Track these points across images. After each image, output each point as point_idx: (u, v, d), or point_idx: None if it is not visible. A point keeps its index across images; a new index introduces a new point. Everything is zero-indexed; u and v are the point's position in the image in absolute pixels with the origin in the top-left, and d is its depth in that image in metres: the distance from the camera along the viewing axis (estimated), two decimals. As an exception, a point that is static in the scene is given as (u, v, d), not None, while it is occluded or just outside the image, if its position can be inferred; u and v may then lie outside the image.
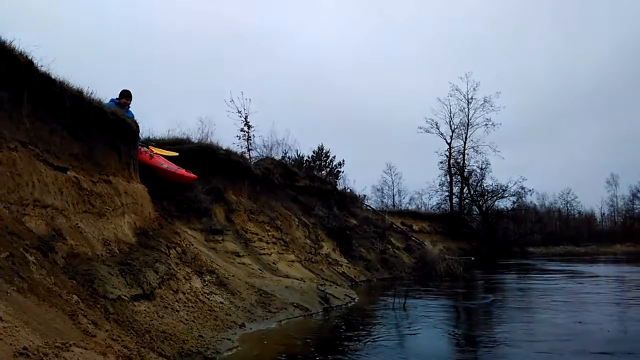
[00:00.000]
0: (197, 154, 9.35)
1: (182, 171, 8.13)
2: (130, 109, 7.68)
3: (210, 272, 6.01)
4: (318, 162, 21.83)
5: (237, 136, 14.01)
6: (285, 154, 16.31)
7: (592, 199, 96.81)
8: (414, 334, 5.15)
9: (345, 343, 4.82)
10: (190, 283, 5.36)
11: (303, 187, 13.67)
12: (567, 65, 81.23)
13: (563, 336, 4.75)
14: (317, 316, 5.94)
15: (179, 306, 4.61)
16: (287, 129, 31.26)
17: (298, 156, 18.50)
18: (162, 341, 3.55)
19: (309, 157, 21.20)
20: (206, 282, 5.68)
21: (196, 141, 9.91)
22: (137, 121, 7.17)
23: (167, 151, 8.80)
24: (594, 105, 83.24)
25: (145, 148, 8.05)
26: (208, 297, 5.31)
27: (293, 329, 5.39)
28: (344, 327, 5.49)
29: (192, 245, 6.69)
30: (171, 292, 4.81)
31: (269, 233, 9.88)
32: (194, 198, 8.42)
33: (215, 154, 9.71)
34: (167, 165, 8.09)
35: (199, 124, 13.33)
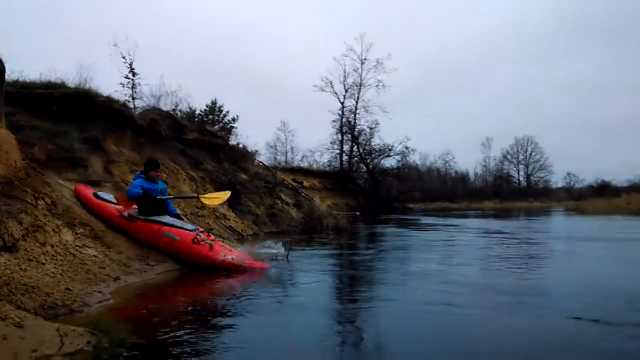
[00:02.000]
0: (73, 100, 8.65)
1: (255, 264, 6.10)
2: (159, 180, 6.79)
3: (84, 225, 5.72)
4: (211, 117, 21.21)
5: (121, 84, 13.12)
6: (176, 106, 15.64)
7: (468, 160, 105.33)
8: (294, 285, 5.38)
9: (220, 293, 4.93)
10: (60, 236, 5.08)
11: (192, 141, 13.29)
12: (451, 37, 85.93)
13: (435, 283, 5.21)
14: (198, 269, 5.95)
15: (46, 259, 4.37)
16: (179, 83, 29.92)
17: (190, 109, 17.83)
18: (22, 294, 3.36)
19: (201, 111, 20.53)
20: (78, 235, 5.41)
21: (73, 86, 9.14)
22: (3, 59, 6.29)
23: (216, 195, 7.07)
24: (472, 75, 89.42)
25: (200, 235, 6.17)
26: (80, 250, 5.08)
27: (170, 281, 5.37)
28: (222, 277, 5.57)
29: (65, 197, 6.29)
30: (37, 244, 4.53)
31: (153, 186, 9.55)
32: (68, 147, 7.84)
33: (94, 100, 9.06)
34: (233, 256, 6.08)
35: (78, 67, 12.17)
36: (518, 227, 15.96)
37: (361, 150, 38.95)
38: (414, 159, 44.97)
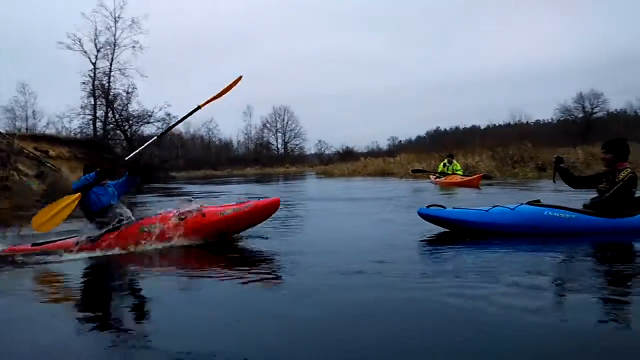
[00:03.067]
0: None
1: (262, 202, 5.39)
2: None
3: None
4: None
5: None
6: None
7: (232, 128, 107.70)
8: None
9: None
10: None
11: None
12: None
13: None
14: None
15: None
16: None
17: None
18: None
19: None
20: None
21: None
22: None
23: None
24: (238, 45, 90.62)
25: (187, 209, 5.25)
26: None
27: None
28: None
29: None
30: None
31: None
32: None
33: None
34: (232, 208, 5.29)
35: None
36: (278, 191, 17.00)
37: (117, 116, 36.05)
38: (178, 126, 43.66)
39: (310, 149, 72.37)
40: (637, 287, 3.27)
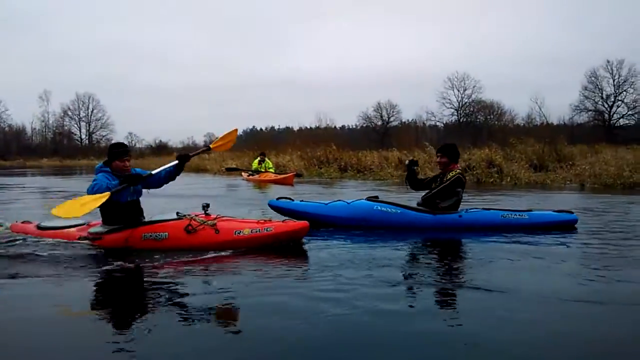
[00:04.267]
0: None
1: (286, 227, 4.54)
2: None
3: None
4: None
5: None
6: None
7: (25, 114, 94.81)
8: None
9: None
10: None
11: None
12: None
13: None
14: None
15: None
16: None
17: None
18: None
19: None
20: None
21: None
22: None
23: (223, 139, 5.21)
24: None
25: (196, 219, 4.55)
26: None
27: None
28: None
29: None
30: None
31: None
32: None
33: None
34: (250, 228, 4.49)
35: None
36: (79, 186, 15.84)
37: None
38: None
39: (120, 141, 67.46)
40: (460, 278, 3.69)
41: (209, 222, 4.51)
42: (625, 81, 43.60)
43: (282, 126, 59.60)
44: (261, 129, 64.57)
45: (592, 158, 15.96)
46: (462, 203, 5.82)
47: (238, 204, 8.42)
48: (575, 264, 4.06)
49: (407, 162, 6.11)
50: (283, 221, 4.58)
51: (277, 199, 6.16)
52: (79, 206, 4.22)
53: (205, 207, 4.71)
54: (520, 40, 78.88)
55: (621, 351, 2.33)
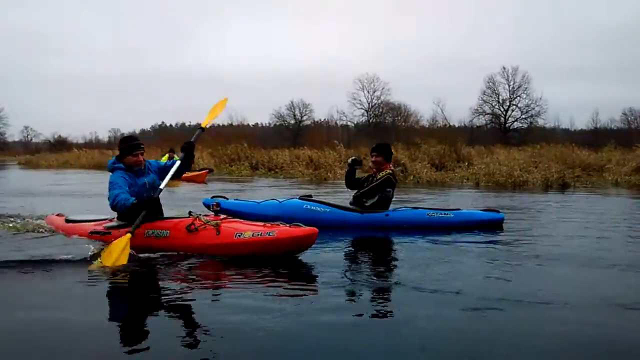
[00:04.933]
0: None
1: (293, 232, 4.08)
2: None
3: None
4: None
5: None
6: None
7: None
8: None
9: None
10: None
11: None
12: None
13: None
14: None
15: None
16: None
17: None
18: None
19: None
20: None
21: None
22: None
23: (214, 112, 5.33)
24: None
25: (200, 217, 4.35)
26: None
27: None
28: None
29: None
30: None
31: None
32: None
33: None
34: (252, 231, 4.12)
35: None
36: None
37: None
38: None
39: (14, 135, 62.50)
40: (383, 277, 3.75)
41: (213, 222, 4.27)
42: (519, 87, 46.97)
43: (194, 123, 58.02)
44: (171, 125, 62.50)
45: (487, 158, 17.19)
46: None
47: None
48: (498, 262, 4.11)
49: (350, 160, 6.10)
50: (290, 225, 4.21)
51: (212, 197, 6.12)
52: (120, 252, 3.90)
53: (216, 205, 4.54)
54: (426, 46, 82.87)
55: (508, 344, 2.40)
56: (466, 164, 16.28)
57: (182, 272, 3.80)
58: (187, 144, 4.69)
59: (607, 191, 11.81)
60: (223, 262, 4.03)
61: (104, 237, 4.47)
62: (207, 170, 15.19)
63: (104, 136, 59.12)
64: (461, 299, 3.03)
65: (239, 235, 4.13)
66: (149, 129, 63.88)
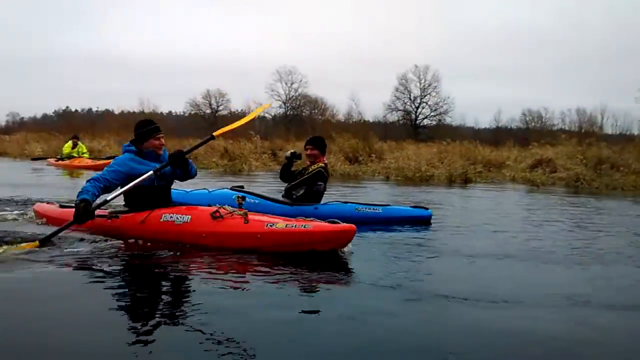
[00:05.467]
0: None
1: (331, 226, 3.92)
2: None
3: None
4: None
5: None
6: None
7: None
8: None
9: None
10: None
11: None
12: None
13: None
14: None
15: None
16: None
17: None
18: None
19: None
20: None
21: None
22: None
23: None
24: None
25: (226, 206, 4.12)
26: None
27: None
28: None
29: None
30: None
31: None
32: None
33: None
34: (283, 223, 3.95)
35: None
36: None
37: None
38: None
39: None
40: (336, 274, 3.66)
41: (240, 211, 4.07)
42: (429, 85, 49.17)
43: (102, 109, 54.78)
44: (76, 110, 58.52)
45: (397, 153, 17.87)
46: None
47: (52, 194, 7.51)
48: (423, 257, 4.20)
49: (288, 153, 5.98)
50: (328, 221, 4.01)
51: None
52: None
53: (240, 198, 4.25)
54: (343, 41, 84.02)
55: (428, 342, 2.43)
56: (378, 158, 16.80)
57: (201, 265, 3.59)
58: (177, 152, 4.39)
59: (504, 186, 12.75)
60: (227, 260, 3.74)
61: (113, 220, 4.24)
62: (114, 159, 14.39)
63: (1, 120, 54.02)
64: (400, 294, 3.10)
65: (271, 226, 3.94)
66: (51, 114, 59.39)
